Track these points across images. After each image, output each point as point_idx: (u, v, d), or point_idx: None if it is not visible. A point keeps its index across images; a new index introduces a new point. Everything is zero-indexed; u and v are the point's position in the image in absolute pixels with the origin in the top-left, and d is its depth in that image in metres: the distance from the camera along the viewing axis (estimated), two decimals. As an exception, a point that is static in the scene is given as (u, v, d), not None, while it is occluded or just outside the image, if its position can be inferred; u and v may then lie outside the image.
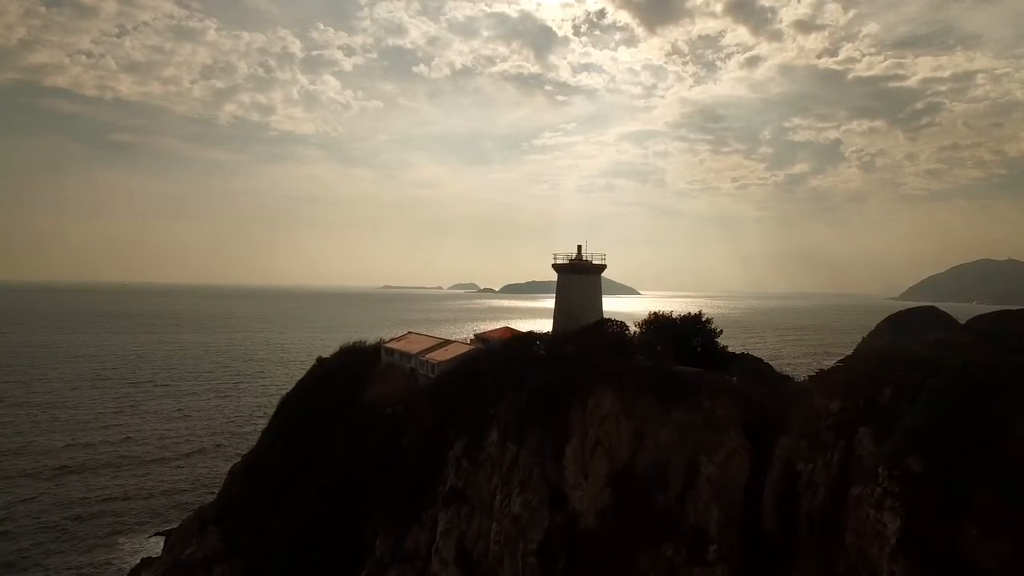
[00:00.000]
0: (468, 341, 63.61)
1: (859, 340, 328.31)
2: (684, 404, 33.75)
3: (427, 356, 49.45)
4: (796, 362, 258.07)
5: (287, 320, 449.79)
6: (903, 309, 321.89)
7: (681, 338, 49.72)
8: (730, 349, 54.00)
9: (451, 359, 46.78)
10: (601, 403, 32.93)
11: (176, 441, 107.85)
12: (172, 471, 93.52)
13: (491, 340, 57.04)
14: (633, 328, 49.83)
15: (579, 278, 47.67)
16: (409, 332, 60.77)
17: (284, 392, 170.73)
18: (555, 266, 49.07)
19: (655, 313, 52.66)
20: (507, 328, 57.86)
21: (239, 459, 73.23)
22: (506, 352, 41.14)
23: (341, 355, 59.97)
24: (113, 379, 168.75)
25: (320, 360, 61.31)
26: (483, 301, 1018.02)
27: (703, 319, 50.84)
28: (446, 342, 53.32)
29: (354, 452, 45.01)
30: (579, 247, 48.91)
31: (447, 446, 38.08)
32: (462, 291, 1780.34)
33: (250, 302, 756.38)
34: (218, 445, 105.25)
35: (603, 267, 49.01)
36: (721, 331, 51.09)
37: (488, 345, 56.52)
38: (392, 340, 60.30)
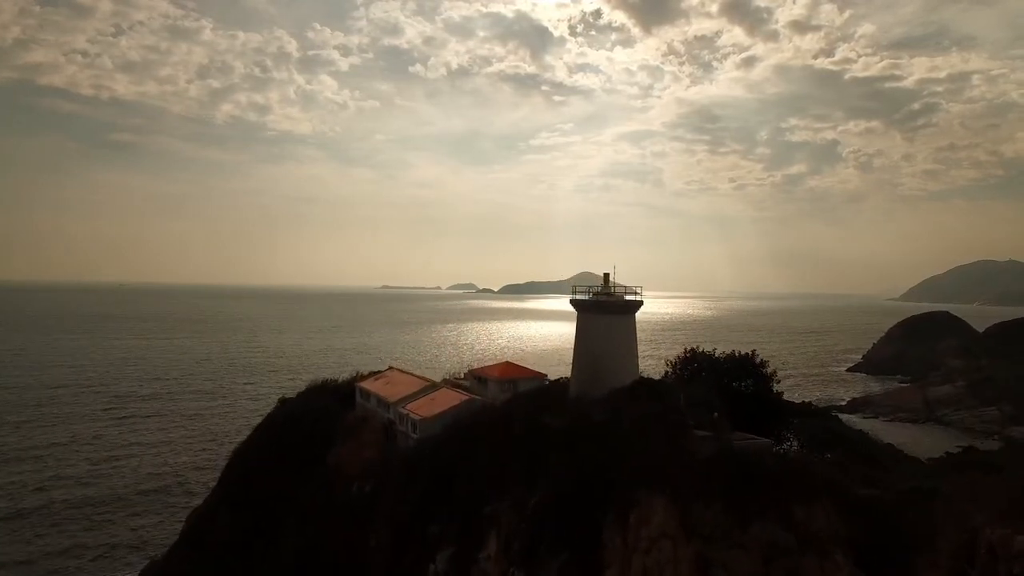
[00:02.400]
0: (462, 377, 53.24)
1: (869, 346, 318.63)
2: (767, 512, 23.30)
3: (408, 407, 39.09)
4: (813, 373, 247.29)
5: (284, 322, 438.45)
6: (916, 314, 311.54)
7: (726, 381, 39.55)
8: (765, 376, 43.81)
9: (437, 415, 36.45)
10: (649, 517, 22.49)
11: (149, 473, 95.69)
12: (137, 511, 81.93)
13: (489, 378, 46.76)
14: (665, 367, 39.53)
15: (607, 320, 34.98)
16: (391, 368, 50.38)
17: (271, 407, 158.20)
18: (574, 302, 37.24)
19: (692, 349, 42.36)
20: (508, 364, 47.52)
21: (202, 500, 62.77)
22: (508, 414, 30.67)
23: (308, 396, 49.43)
24: (97, 389, 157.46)
25: (283, 401, 50.81)
26: (482, 302, 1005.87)
27: (756, 359, 40.42)
28: (433, 386, 42.84)
29: (309, 541, 34.70)
30: (606, 276, 36.70)
31: (427, 552, 27.63)
32: (461, 291, 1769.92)
33: (248, 303, 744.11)
34: (189, 480, 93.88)
35: (639, 304, 36.60)
36: (777, 376, 40.66)
37: (486, 388, 46.18)
38: (369, 378, 49.80)
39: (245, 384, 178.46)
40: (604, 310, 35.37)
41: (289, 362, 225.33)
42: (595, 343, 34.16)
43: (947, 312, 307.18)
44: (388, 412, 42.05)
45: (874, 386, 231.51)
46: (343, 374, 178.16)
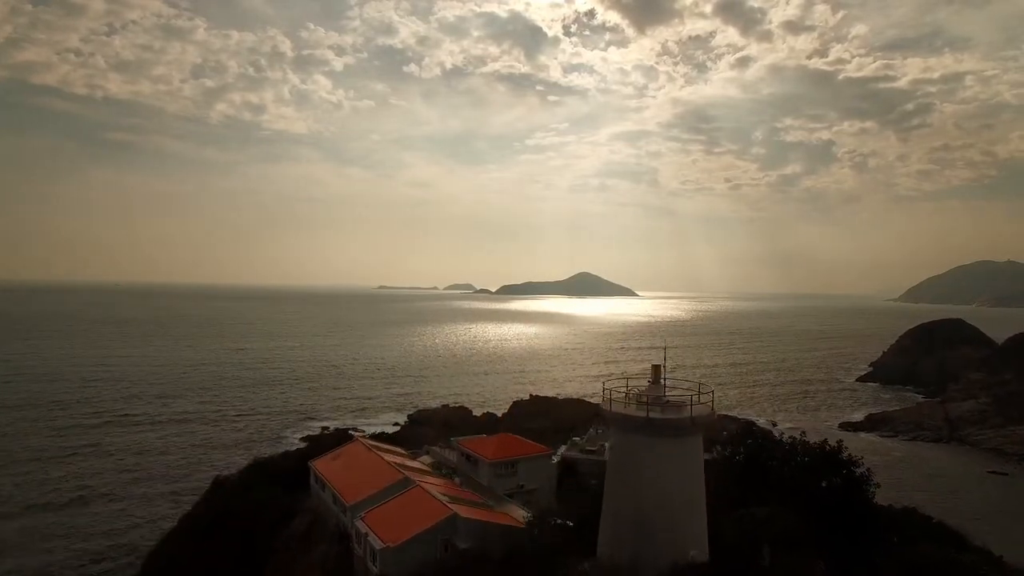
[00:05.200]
0: (444, 447, 42.62)
1: (876, 352, 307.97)
2: None
3: (368, 521, 28.40)
4: (821, 383, 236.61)
5: (278, 326, 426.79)
6: (927, 321, 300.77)
7: (802, 478, 29.07)
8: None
9: (407, 542, 25.86)
10: None
11: (103, 527, 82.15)
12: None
13: (481, 459, 36.19)
14: (714, 453, 28.89)
15: (663, 447, 21.36)
16: (358, 438, 39.38)
17: (251, 432, 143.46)
18: (611, 416, 22.89)
19: (752, 428, 31.66)
20: (505, 439, 37.07)
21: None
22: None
23: (248, 478, 38.68)
24: (73, 407, 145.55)
25: (217, 485, 40.07)
26: (478, 304, 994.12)
27: (840, 452, 29.78)
28: (404, 482, 32.03)
29: None
30: (656, 369, 23.46)
31: None
32: (458, 292, 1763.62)
33: (244, 304, 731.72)
34: (142, 539, 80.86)
35: (712, 418, 23.13)
36: (873, 479, 29.91)
37: (477, 470, 35.67)
38: (327, 455, 38.85)
39: (226, 404, 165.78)
40: (659, 431, 21.31)
41: (278, 373, 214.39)
42: (642, 484, 21.25)
43: (960, 319, 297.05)
44: (345, 516, 31.47)
45: (887, 397, 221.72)
46: (323, 400, 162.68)
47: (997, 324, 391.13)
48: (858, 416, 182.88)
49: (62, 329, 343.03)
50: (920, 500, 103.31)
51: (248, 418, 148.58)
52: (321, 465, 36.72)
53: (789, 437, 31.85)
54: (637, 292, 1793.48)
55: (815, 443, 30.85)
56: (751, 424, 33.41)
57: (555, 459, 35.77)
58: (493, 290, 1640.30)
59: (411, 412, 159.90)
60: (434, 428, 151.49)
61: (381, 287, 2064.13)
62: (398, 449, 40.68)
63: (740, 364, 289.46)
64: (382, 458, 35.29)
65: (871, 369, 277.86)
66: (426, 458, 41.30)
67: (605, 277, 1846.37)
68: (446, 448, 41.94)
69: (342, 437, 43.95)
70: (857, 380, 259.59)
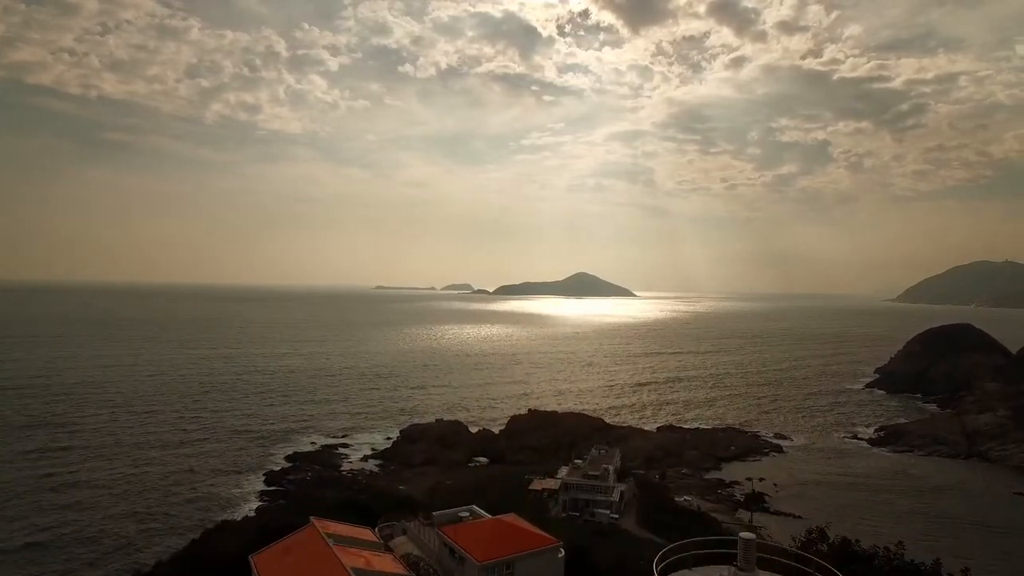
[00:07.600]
0: (425, 522, 34.59)
1: (882, 356, 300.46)
2: None
3: None
4: (829, 393, 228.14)
5: (273, 329, 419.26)
6: (935, 326, 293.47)
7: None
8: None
9: None
10: None
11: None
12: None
13: (468, 559, 28.30)
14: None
15: None
16: (315, 523, 31.20)
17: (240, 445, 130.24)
18: None
19: (821, 530, 23.79)
20: (498, 526, 29.22)
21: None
22: None
23: (178, 574, 30.64)
24: (55, 424, 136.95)
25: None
26: (477, 304, 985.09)
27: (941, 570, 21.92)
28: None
29: None
30: (747, 546, 14.89)
31: None
32: (456, 292, 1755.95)
33: (243, 305, 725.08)
34: None
35: None
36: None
37: (463, 571, 27.77)
38: (275, 549, 30.67)
39: (215, 419, 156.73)
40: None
41: (272, 382, 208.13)
42: None
43: (968, 324, 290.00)
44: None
45: (896, 406, 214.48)
46: (315, 413, 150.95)
47: (998, 325, 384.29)
48: (870, 430, 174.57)
49: (62, 333, 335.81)
50: (951, 531, 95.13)
51: (238, 435, 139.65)
52: (264, 565, 28.81)
53: (881, 549, 23.92)
54: (635, 292, 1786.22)
55: (913, 561, 22.98)
56: (822, 530, 25.09)
57: (561, 553, 27.90)
58: (491, 290, 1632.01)
59: (404, 427, 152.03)
60: (428, 444, 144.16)
61: (379, 287, 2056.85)
62: (366, 533, 32.75)
63: (744, 371, 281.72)
64: (340, 561, 27.26)
65: (878, 376, 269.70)
66: (402, 540, 33.54)
67: (603, 277, 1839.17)
68: (427, 524, 34.14)
69: (298, 516, 35.69)
70: (864, 387, 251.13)
